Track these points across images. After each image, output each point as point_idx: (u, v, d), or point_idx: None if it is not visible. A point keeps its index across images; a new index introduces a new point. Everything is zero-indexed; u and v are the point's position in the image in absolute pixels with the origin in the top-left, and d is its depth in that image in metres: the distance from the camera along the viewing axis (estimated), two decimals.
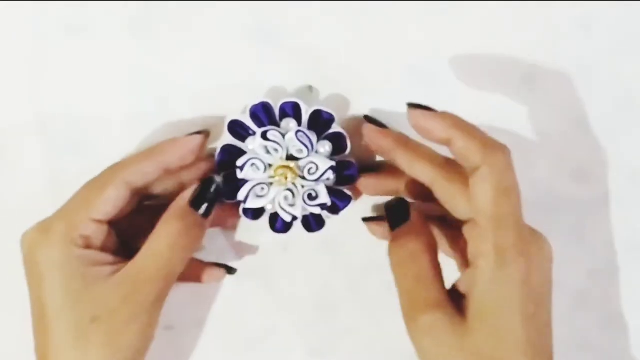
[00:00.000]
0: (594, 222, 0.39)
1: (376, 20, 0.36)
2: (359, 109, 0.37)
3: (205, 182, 0.33)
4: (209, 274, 0.37)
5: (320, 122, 0.34)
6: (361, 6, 0.36)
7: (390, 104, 0.37)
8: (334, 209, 0.35)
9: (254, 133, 0.34)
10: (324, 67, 0.37)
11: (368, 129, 0.34)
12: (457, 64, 0.37)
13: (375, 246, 0.37)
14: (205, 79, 0.37)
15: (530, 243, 0.30)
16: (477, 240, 0.30)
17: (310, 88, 0.36)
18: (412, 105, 0.31)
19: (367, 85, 0.37)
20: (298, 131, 0.33)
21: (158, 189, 0.34)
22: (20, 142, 0.37)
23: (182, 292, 0.39)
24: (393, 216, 0.33)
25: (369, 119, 0.35)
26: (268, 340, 0.40)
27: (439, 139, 0.31)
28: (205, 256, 0.38)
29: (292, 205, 0.34)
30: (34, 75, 0.37)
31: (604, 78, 0.37)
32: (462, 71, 0.37)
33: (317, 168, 0.34)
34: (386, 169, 0.35)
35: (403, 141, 0.33)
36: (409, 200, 0.34)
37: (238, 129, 0.34)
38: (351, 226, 0.38)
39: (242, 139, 0.35)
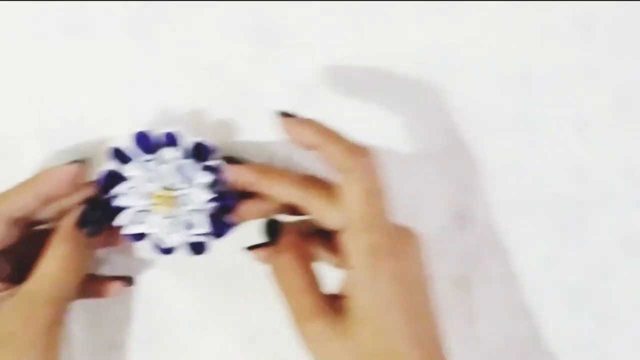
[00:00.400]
0: (593, 221, 0.39)
1: (376, 20, 0.36)
2: (360, 108, 0.37)
3: (91, 203, 0.34)
4: (110, 288, 0.37)
5: (202, 153, 0.35)
6: (361, 6, 0.36)
7: (390, 104, 0.37)
8: (217, 235, 0.36)
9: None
10: (323, 67, 0.37)
11: (228, 170, 0.34)
12: (456, 63, 0.37)
13: None
14: (205, 79, 0.37)
15: (398, 240, 0.32)
16: (349, 242, 0.31)
17: None
18: (283, 114, 0.33)
19: (367, 84, 0.37)
20: (176, 162, 0.34)
21: (42, 216, 0.35)
22: (20, 143, 0.37)
23: (180, 291, 0.39)
24: (267, 235, 0.35)
25: (228, 159, 0.35)
26: (268, 338, 0.39)
27: (308, 144, 0.32)
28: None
29: (170, 234, 0.35)
30: (34, 75, 0.37)
31: (603, 78, 0.37)
32: (462, 70, 0.37)
33: (196, 198, 0.34)
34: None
35: (263, 171, 0.34)
36: (289, 217, 0.35)
37: (120, 156, 0.35)
38: None
39: (125, 164, 0.35)
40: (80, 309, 0.38)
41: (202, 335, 0.39)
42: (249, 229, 0.39)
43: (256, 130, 0.37)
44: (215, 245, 0.38)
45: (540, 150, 0.38)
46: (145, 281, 0.39)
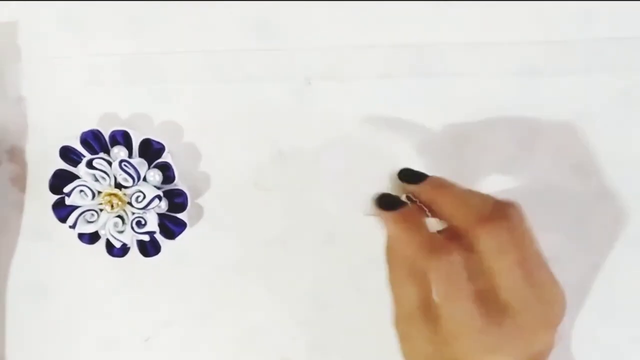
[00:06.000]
0: (595, 216, 0.39)
1: (376, 20, 0.36)
2: (359, 108, 0.37)
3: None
4: None
5: (151, 151, 0.35)
6: (361, 6, 0.36)
7: (390, 103, 0.37)
8: (170, 234, 0.36)
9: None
10: (324, 66, 0.37)
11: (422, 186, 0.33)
12: (456, 61, 0.37)
13: (376, 243, 0.37)
14: (205, 79, 0.37)
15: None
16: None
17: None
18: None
19: (367, 84, 0.37)
20: (122, 161, 0.34)
21: None
22: (18, 139, 0.38)
23: (180, 288, 0.39)
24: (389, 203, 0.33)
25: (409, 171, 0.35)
26: (268, 335, 0.39)
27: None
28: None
29: (121, 232, 0.35)
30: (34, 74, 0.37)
31: (604, 73, 0.37)
32: (462, 68, 0.37)
33: (144, 196, 0.34)
34: None
35: (441, 193, 0.33)
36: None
37: (70, 155, 0.35)
38: (352, 223, 0.38)
39: (75, 164, 0.35)
40: None
41: (201, 334, 0.39)
42: (249, 228, 0.38)
43: (257, 127, 0.37)
44: (215, 244, 0.38)
45: (541, 145, 0.38)
46: (143, 280, 0.38)
